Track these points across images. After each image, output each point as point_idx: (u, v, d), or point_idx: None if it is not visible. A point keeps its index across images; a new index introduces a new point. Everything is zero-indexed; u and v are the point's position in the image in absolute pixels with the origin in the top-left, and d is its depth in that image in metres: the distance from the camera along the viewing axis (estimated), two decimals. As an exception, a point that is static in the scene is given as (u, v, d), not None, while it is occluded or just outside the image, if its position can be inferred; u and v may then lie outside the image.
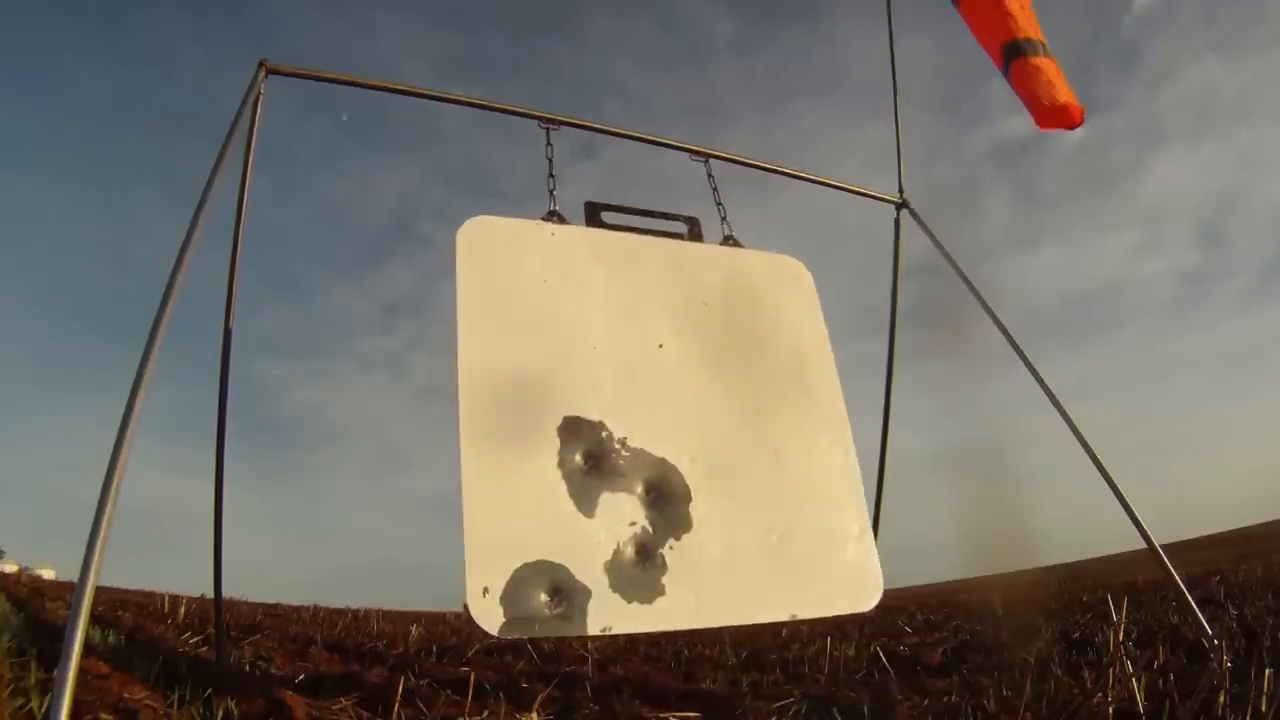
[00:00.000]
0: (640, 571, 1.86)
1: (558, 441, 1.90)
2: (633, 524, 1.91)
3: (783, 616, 2.00)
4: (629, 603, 1.81)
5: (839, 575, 2.10)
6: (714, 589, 1.91)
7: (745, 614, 1.98)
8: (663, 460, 2.01)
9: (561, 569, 1.78)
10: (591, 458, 1.93)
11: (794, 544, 2.06)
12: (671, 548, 1.92)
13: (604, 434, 1.97)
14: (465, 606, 1.72)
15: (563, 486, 1.86)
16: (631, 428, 2.00)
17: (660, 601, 1.84)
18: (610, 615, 1.78)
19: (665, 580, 1.88)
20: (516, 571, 1.73)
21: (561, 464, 1.88)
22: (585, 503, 1.87)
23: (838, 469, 2.25)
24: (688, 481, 2.01)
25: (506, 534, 1.76)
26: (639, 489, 1.95)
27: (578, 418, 1.96)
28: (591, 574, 1.80)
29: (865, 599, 2.10)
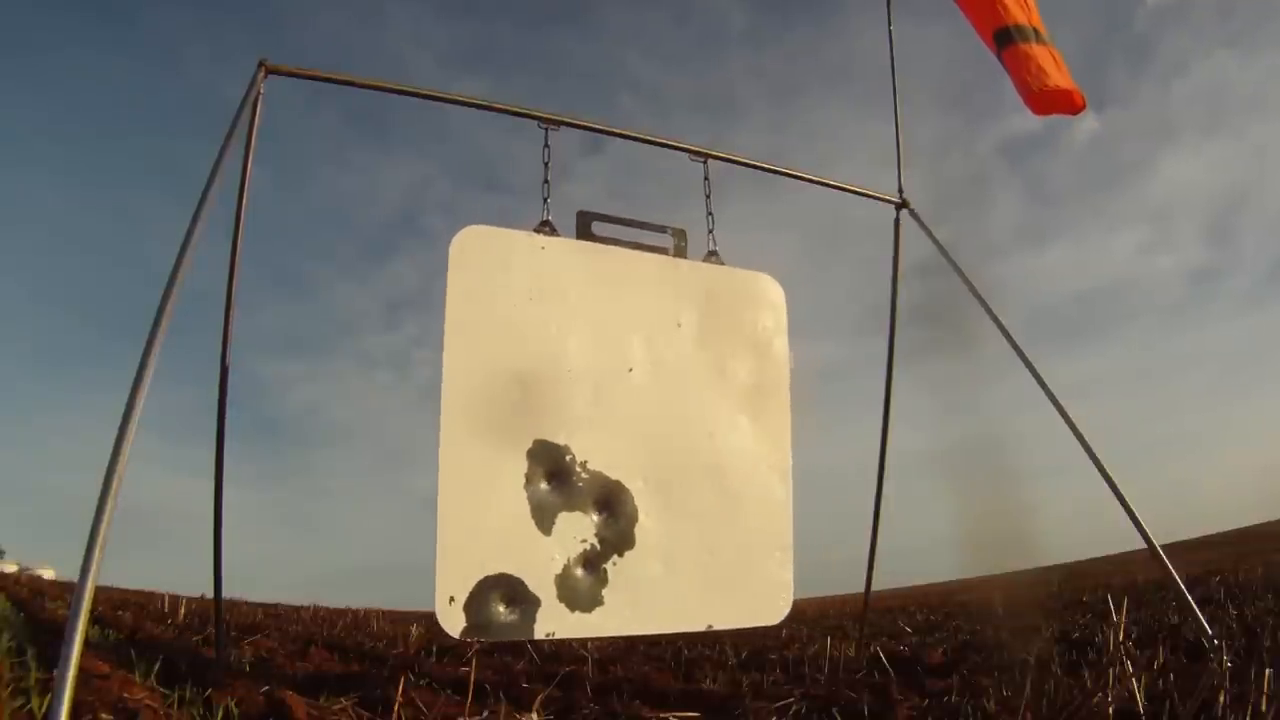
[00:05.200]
0: (585, 584, 2.08)
1: (526, 465, 2.08)
2: (584, 541, 2.10)
3: (700, 627, 2.25)
4: (572, 612, 2.04)
5: (755, 592, 2.32)
6: (647, 602, 2.14)
7: (670, 624, 2.23)
8: (617, 483, 2.18)
9: (518, 581, 1.99)
10: (554, 479, 2.11)
11: (722, 562, 2.27)
12: (615, 563, 2.13)
13: (568, 457, 2.13)
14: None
15: (526, 507, 2.05)
16: (593, 451, 2.17)
17: (598, 611, 2.07)
18: (554, 623, 2.02)
19: (605, 593, 2.10)
20: (479, 583, 1.95)
21: (527, 484, 2.07)
22: (545, 522, 2.07)
23: (773, 494, 2.42)
24: (637, 502, 2.19)
25: (473, 550, 1.97)
26: (593, 509, 2.14)
27: (546, 441, 2.11)
28: (543, 586, 2.02)
29: (774, 614, 2.34)
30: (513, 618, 1.96)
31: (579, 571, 2.08)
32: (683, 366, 2.36)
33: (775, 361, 2.54)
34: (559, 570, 2.05)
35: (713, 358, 2.42)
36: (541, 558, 2.03)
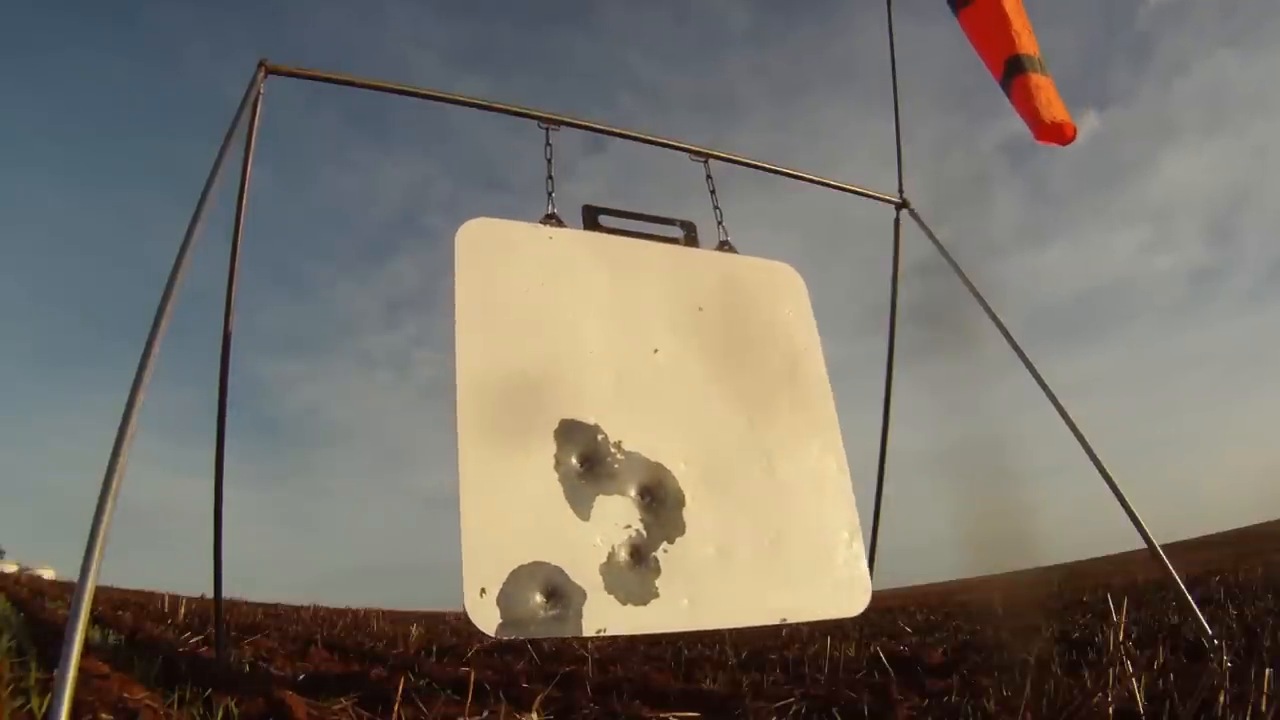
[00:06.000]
0: (634, 574, 1.89)
1: (554, 445, 1.93)
2: (627, 527, 1.93)
3: (773, 620, 2.03)
4: (623, 605, 1.84)
5: (829, 580, 2.13)
6: (706, 592, 1.95)
7: (737, 617, 2.03)
8: (658, 464, 2.03)
9: (557, 571, 1.81)
10: (587, 461, 1.96)
11: (785, 548, 2.09)
12: (665, 550, 1.95)
13: (600, 437, 1.99)
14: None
15: (559, 489, 1.88)
16: (626, 431, 2.02)
17: (654, 604, 1.88)
18: (604, 617, 1.82)
19: (659, 583, 1.90)
20: (513, 573, 1.76)
21: (558, 466, 1.91)
22: (581, 506, 1.90)
23: (829, 474, 2.28)
24: (681, 485, 2.03)
25: (503, 536, 1.79)
26: (633, 492, 1.98)
27: (574, 420, 1.97)
28: (586, 576, 1.83)
29: (854, 604, 2.14)
30: (555, 612, 1.77)
31: (626, 559, 1.89)
32: (710, 349, 2.27)
33: (807, 345, 2.46)
34: (603, 559, 1.86)
35: (740, 341, 2.34)
36: (582, 544, 1.85)
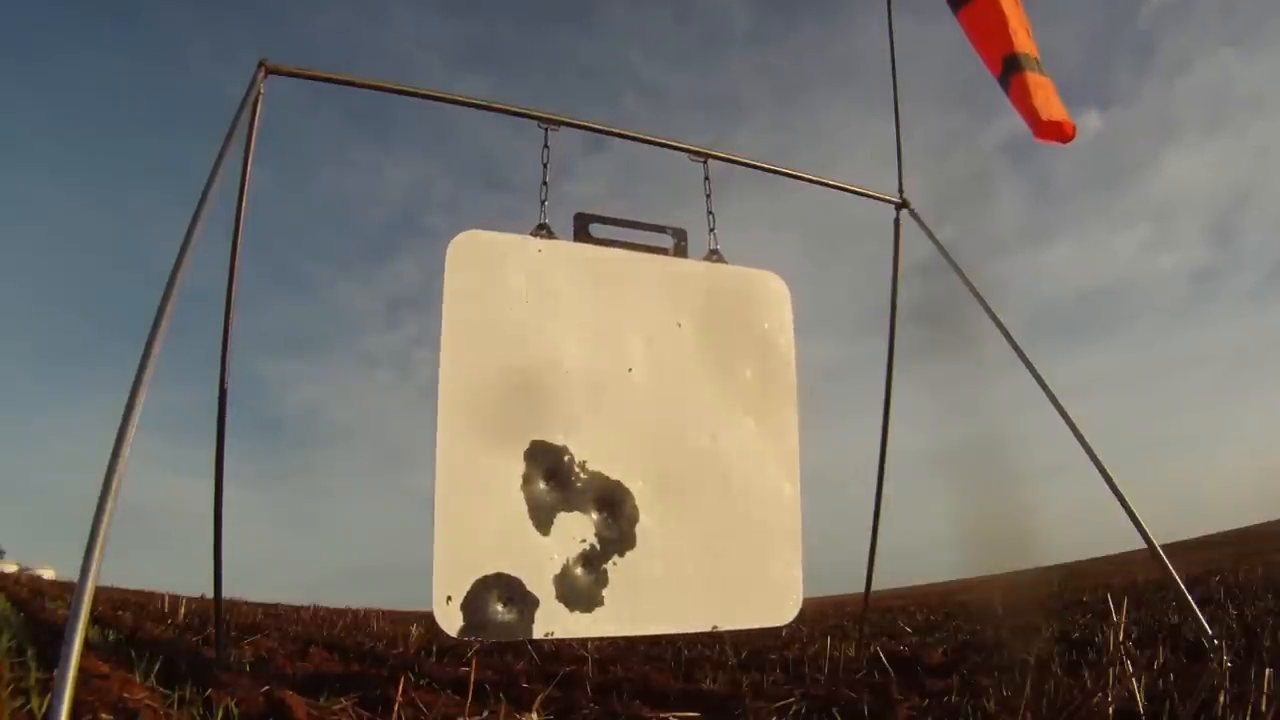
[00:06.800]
0: (584, 584, 2.08)
1: (524, 465, 2.08)
2: (583, 541, 2.11)
3: (705, 627, 2.24)
4: (571, 612, 2.04)
5: (762, 592, 2.31)
6: (648, 602, 2.14)
7: (673, 624, 2.23)
8: (617, 483, 2.18)
9: (515, 581, 2.00)
10: (553, 479, 2.11)
11: (727, 562, 2.26)
12: (615, 563, 2.13)
13: (566, 458, 2.13)
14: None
15: (524, 507, 2.06)
16: (592, 451, 2.17)
17: (598, 611, 2.08)
18: (552, 622, 2.02)
19: (605, 593, 2.10)
20: (476, 583, 1.96)
21: (525, 485, 2.07)
22: (543, 522, 2.07)
23: (780, 495, 2.40)
24: (637, 502, 2.19)
25: (471, 550, 1.98)
26: (592, 509, 2.14)
27: (544, 442, 2.12)
28: (541, 586, 2.03)
29: (784, 614, 2.34)
30: (510, 617, 1.97)
31: (578, 571, 2.08)
32: (684, 367, 2.35)
33: (780, 359, 2.52)
34: (558, 570, 2.05)
35: (715, 357, 2.41)
36: (540, 557, 2.04)
